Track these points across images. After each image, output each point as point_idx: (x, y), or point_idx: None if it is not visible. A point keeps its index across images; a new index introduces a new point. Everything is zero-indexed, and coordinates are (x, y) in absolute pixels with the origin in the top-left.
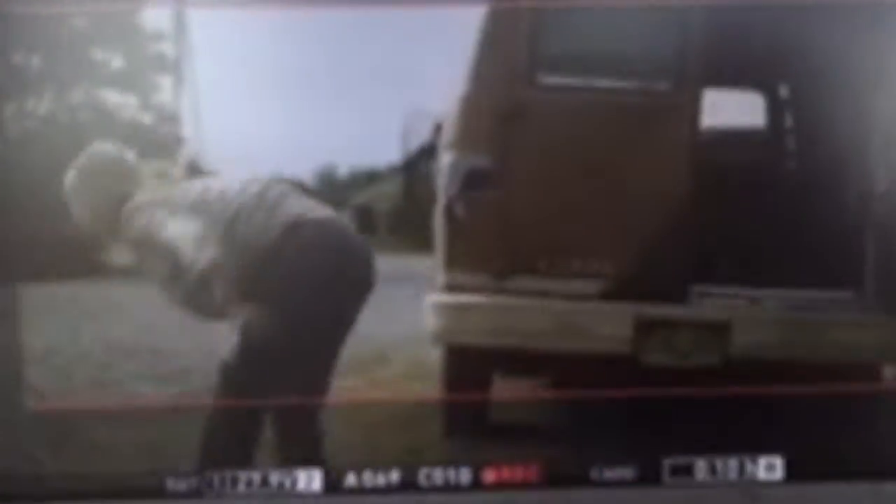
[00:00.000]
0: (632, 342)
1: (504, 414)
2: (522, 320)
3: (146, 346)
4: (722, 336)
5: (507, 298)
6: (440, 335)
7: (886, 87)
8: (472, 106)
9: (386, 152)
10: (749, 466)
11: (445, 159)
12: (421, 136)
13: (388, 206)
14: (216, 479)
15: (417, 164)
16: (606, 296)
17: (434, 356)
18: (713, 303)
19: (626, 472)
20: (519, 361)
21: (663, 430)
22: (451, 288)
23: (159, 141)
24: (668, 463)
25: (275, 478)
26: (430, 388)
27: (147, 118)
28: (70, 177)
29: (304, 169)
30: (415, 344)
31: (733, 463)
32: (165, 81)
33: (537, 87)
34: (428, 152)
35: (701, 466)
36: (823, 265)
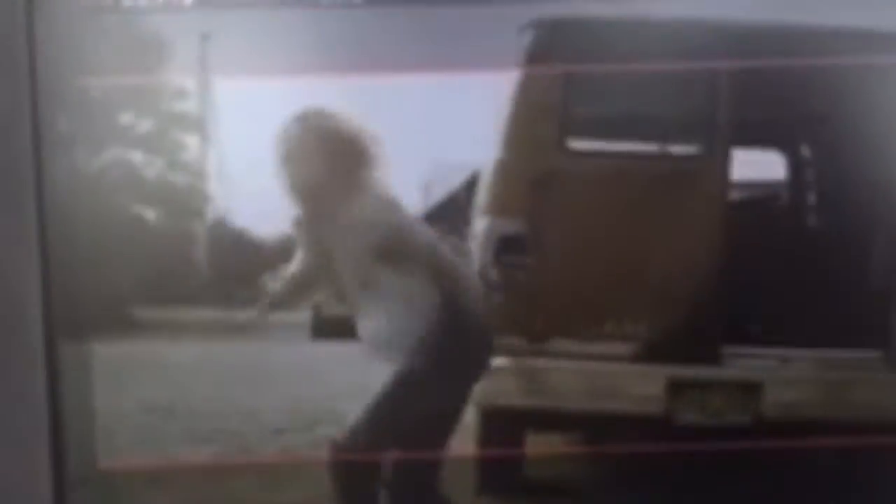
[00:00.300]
0: (664, 403)
1: (537, 471)
2: (557, 382)
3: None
4: (753, 396)
5: (542, 360)
6: (479, 398)
7: None
8: (506, 171)
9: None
10: None
11: (479, 225)
12: (444, 187)
13: None
14: None
15: (442, 215)
16: (639, 358)
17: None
18: (744, 363)
19: None
20: (553, 420)
21: (695, 489)
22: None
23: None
24: None
25: None
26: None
27: (175, 176)
28: None
29: None
30: None
31: None
32: (191, 140)
33: (568, 153)
34: (455, 202)
35: None
36: (850, 325)
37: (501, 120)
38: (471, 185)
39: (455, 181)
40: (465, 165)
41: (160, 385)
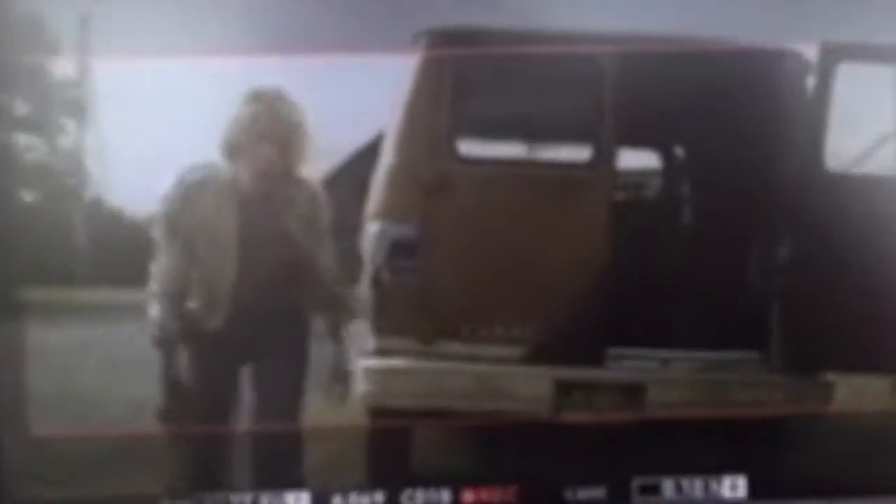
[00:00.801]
0: (552, 403)
1: (425, 463)
2: (447, 383)
3: None
4: (637, 396)
5: (433, 363)
6: (370, 399)
7: (789, 154)
8: (397, 176)
9: None
10: (714, 485)
11: (372, 229)
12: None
13: None
14: (208, 500)
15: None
16: (527, 360)
17: None
18: (628, 365)
19: (597, 492)
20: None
21: (633, 452)
22: (380, 353)
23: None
24: (636, 483)
25: (265, 500)
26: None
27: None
28: None
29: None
30: None
31: (699, 482)
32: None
33: (459, 159)
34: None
35: (668, 486)
36: (729, 326)
37: (391, 124)
38: (373, 147)
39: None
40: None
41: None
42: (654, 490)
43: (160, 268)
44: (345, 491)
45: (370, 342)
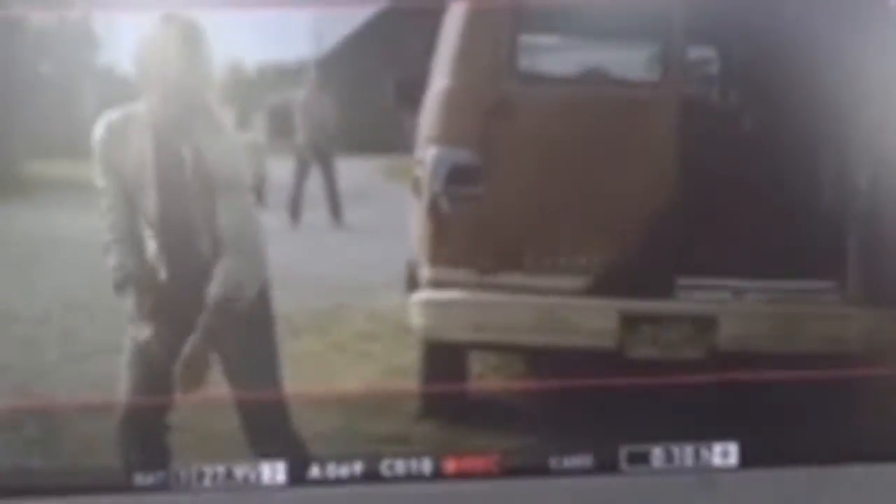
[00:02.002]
0: (617, 337)
1: (482, 396)
2: (508, 316)
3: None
4: (707, 330)
5: (492, 294)
6: (426, 332)
7: (875, 72)
8: (454, 100)
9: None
10: (704, 453)
11: (428, 154)
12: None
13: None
14: (182, 472)
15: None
16: (592, 291)
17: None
18: (698, 296)
19: (584, 461)
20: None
21: (621, 419)
22: (435, 284)
23: None
24: (625, 451)
25: (240, 471)
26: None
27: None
28: None
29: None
30: (377, 291)
31: (689, 450)
32: None
33: (521, 79)
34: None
35: (657, 454)
36: (805, 255)
37: (442, 43)
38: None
39: (345, 28)
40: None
41: None
42: (643, 458)
43: (106, 215)
44: (323, 461)
45: (425, 273)
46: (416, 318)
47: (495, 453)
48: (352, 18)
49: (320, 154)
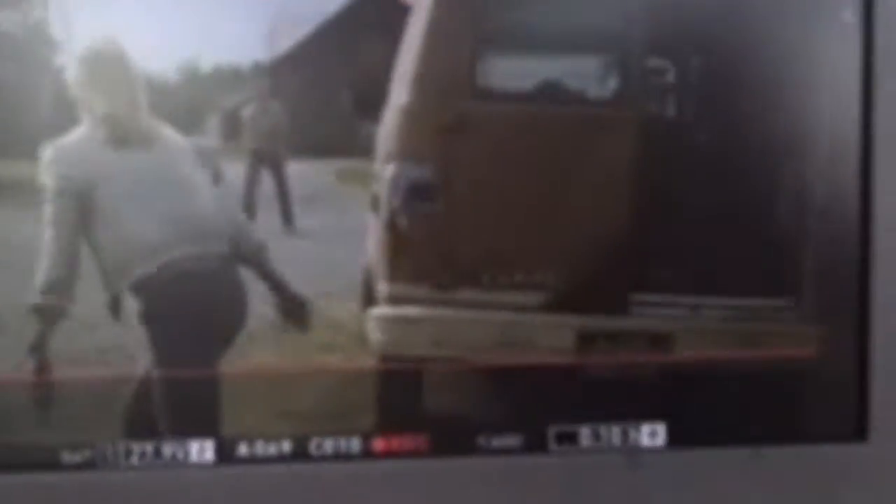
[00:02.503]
0: (574, 354)
1: (436, 404)
2: (465, 332)
3: None
4: (663, 347)
5: (449, 310)
6: (384, 347)
7: (830, 87)
8: (413, 116)
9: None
10: (632, 433)
11: (387, 171)
12: (289, 38)
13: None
14: (110, 450)
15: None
16: (549, 308)
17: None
18: (654, 312)
19: (513, 441)
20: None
21: (550, 400)
22: (393, 300)
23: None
24: (553, 430)
25: (168, 449)
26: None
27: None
28: None
29: (167, 66)
30: (334, 299)
31: (616, 430)
32: None
33: (479, 96)
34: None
35: (585, 433)
36: (759, 269)
37: (401, 60)
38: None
39: (300, 32)
40: (309, 15)
41: None
42: (572, 438)
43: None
44: (251, 439)
45: (383, 288)
46: (374, 334)
47: (424, 432)
48: (308, 21)
49: (270, 159)
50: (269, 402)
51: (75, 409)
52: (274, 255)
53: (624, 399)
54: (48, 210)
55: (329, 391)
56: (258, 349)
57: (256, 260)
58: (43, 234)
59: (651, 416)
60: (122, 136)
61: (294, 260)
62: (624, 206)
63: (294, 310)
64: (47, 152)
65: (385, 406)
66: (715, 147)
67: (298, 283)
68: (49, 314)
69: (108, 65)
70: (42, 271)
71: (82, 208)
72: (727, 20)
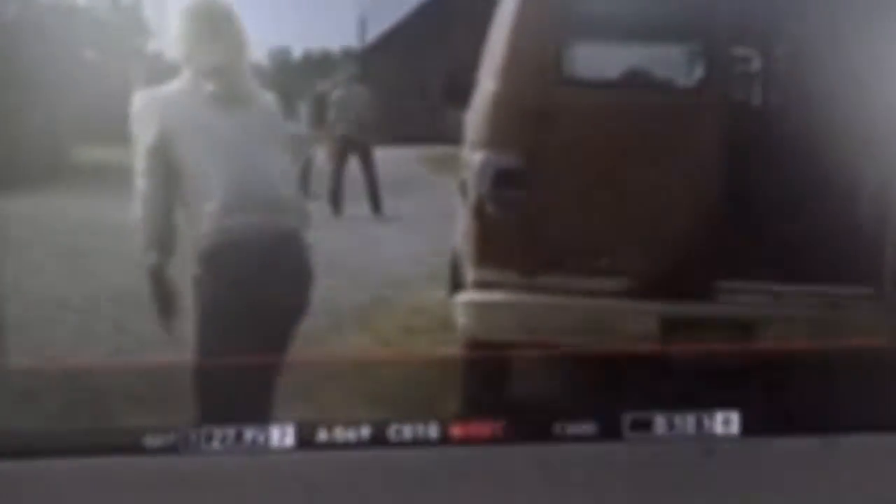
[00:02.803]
0: (658, 339)
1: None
2: (550, 317)
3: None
4: (747, 334)
5: (535, 296)
6: (470, 332)
7: None
8: (501, 104)
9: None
10: (706, 421)
11: (475, 158)
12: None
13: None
14: (192, 435)
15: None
16: (633, 294)
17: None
18: (738, 299)
19: (588, 428)
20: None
21: (625, 387)
22: (480, 285)
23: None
24: (628, 418)
25: (249, 434)
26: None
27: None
28: None
29: (259, 53)
30: (417, 283)
31: (691, 418)
32: None
33: (567, 84)
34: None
35: (660, 422)
36: (841, 258)
37: (489, 46)
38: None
39: (390, 18)
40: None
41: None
42: (646, 425)
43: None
44: (331, 425)
45: (470, 274)
46: (461, 318)
47: (501, 419)
48: (398, 8)
49: (357, 146)
50: (351, 388)
51: (160, 392)
52: (346, 241)
53: (700, 387)
54: (139, 163)
55: (411, 377)
56: (341, 334)
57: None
58: (137, 192)
59: (726, 404)
60: (228, 91)
61: (383, 245)
62: (709, 193)
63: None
64: (142, 100)
65: (467, 392)
66: (801, 135)
67: (379, 268)
68: (156, 270)
69: (217, 18)
70: (141, 230)
71: (168, 161)
72: (812, 9)
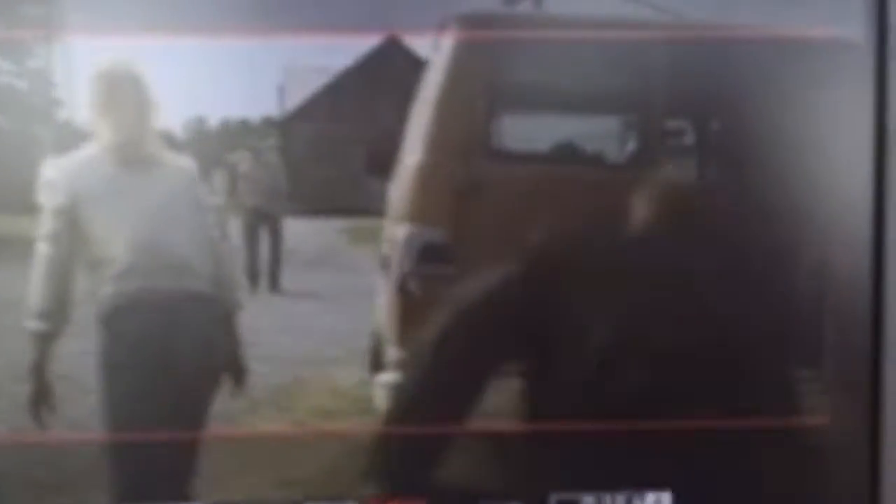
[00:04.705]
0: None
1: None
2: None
3: None
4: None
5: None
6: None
7: (845, 155)
8: (427, 177)
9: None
10: (637, 502)
11: (399, 232)
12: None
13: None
14: None
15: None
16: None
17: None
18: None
19: None
20: None
21: (553, 466)
22: (403, 366)
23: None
24: (554, 498)
25: None
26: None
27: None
28: None
29: (174, 121)
30: (339, 364)
31: (621, 499)
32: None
33: (493, 159)
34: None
35: (588, 502)
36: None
37: (414, 118)
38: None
39: (311, 87)
40: (322, 69)
41: None
42: None
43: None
44: None
45: (393, 353)
46: (382, 401)
47: (422, 499)
48: (319, 77)
49: (267, 218)
50: (268, 469)
51: (60, 477)
52: (262, 318)
53: (632, 465)
54: (43, 228)
55: (328, 457)
56: (255, 414)
57: (228, 314)
58: (36, 257)
59: (658, 483)
60: (134, 156)
61: (291, 324)
62: (641, 268)
63: (235, 372)
64: (48, 171)
65: (387, 472)
66: (734, 211)
67: (297, 347)
68: (44, 339)
69: (123, 83)
70: (36, 295)
71: (75, 226)
72: (749, 80)
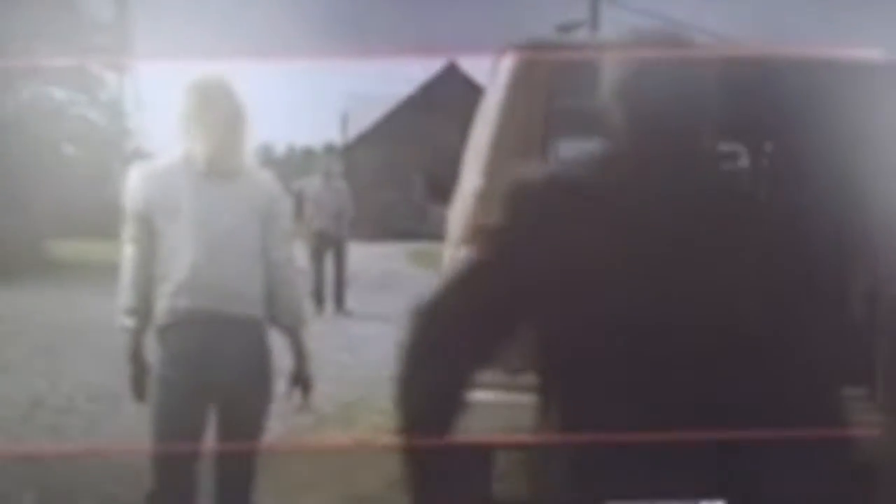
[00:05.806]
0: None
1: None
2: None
3: None
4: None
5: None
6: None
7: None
8: (486, 202)
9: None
10: None
11: (459, 255)
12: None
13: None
14: None
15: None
16: None
17: None
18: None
19: None
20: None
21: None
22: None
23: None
24: None
25: None
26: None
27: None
28: None
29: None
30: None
31: None
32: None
33: None
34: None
35: None
36: (833, 360)
37: (473, 143)
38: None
39: (372, 114)
40: (381, 98)
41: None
42: None
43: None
44: None
45: None
46: None
47: None
48: (380, 104)
49: (332, 241)
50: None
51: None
52: (328, 338)
53: (683, 478)
54: (127, 231)
55: (392, 472)
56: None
57: (293, 332)
58: (123, 258)
59: (710, 493)
60: (219, 166)
61: (357, 343)
62: (696, 289)
63: (302, 388)
64: (135, 172)
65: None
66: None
67: (361, 366)
68: (134, 333)
69: (213, 96)
70: (123, 293)
71: (151, 232)
72: (801, 105)
